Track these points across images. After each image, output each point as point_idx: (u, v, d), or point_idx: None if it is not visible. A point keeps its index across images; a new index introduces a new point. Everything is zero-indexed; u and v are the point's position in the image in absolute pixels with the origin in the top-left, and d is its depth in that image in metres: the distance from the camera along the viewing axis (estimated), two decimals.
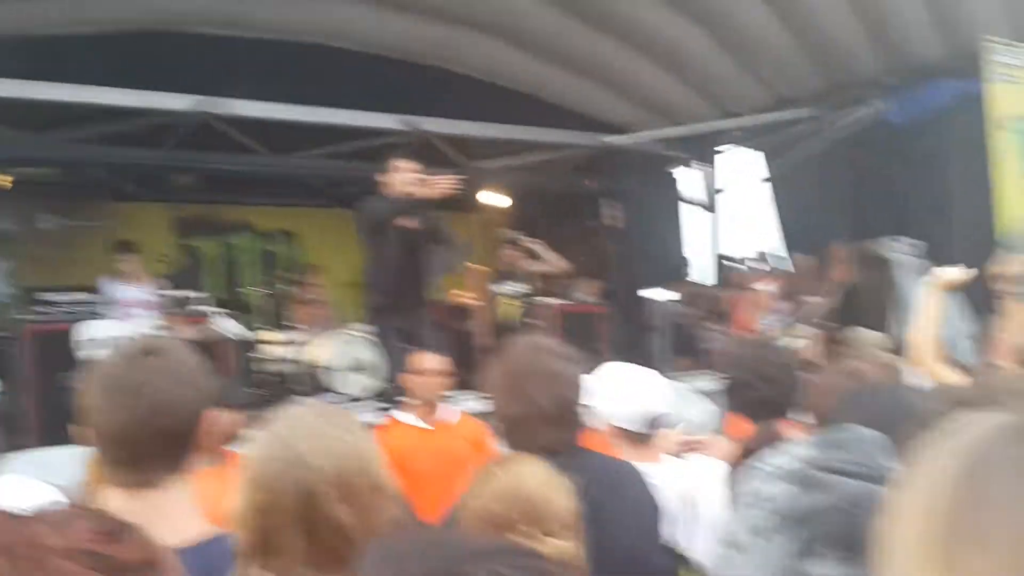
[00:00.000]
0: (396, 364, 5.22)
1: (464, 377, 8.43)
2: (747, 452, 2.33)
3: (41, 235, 11.42)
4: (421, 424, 4.45)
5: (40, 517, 0.85)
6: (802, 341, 9.13)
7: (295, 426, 1.55)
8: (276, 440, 1.53)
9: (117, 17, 8.38)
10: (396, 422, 4.53)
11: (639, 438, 2.90)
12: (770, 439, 2.34)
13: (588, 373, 2.47)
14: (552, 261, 7.96)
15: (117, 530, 0.88)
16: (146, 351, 1.64)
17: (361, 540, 1.48)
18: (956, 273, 3.94)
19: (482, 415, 7.13)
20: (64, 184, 10.95)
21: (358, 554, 1.45)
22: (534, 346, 2.37)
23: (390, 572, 0.84)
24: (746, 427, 3.09)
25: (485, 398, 2.44)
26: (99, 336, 7.08)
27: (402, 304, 6.36)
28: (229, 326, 7.63)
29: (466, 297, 9.97)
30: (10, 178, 10.01)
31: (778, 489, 1.35)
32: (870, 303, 9.55)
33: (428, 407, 4.54)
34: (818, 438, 1.38)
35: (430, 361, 4.60)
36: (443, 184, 6.11)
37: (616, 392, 2.88)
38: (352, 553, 1.46)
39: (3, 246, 11.23)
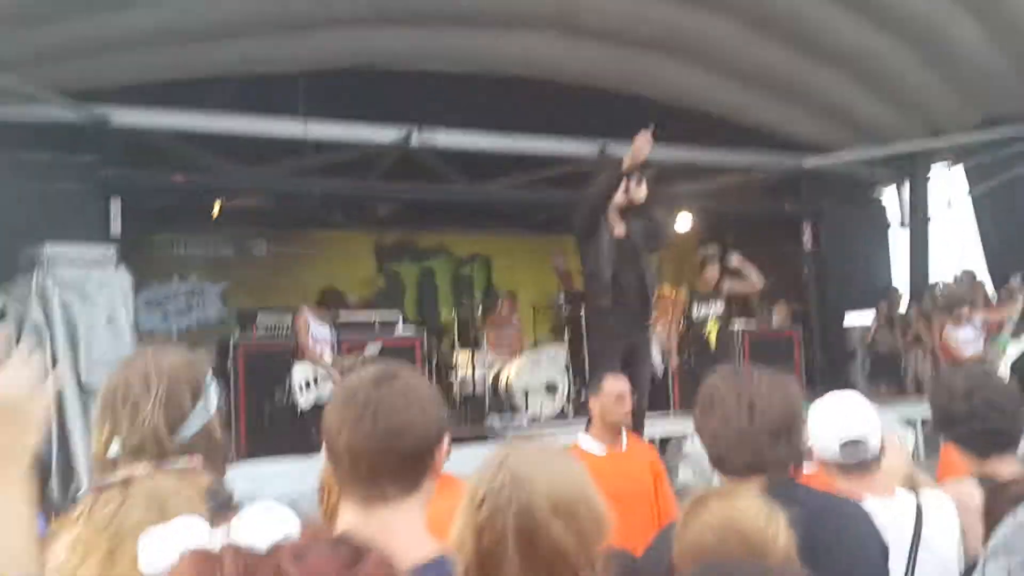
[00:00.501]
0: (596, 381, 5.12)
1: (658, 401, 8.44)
2: (1003, 494, 2.18)
3: (253, 260, 12.21)
4: (600, 450, 4.44)
5: (280, 548, 0.87)
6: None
7: (517, 454, 1.61)
8: (498, 465, 1.59)
9: (326, 55, 8.87)
10: (576, 447, 4.53)
11: (851, 470, 2.77)
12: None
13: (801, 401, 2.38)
14: (753, 278, 7.73)
15: (357, 556, 0.90)
16: (384, 376, 1.73)
17: (577, 563, 1.50)
18: None
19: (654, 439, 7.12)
20: (275, 213, 11.62)
21: None
22: (747, 372, 2.32)
23: None
24: (963, 460, 2.90)
25: (698, 422, 2.39)
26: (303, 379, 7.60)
27: (625, 304, 6.06)
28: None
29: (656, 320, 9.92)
30: (219, 205, 10.75)
31: None
32: None
33: (612, 432, 4.52)
34: None
35: (621, 386, 4.57)
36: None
37: (819, 422, 2.77)
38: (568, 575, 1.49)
39: (219, 270, 12.08)
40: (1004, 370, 8.48)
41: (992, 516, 2.20)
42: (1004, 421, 2.83)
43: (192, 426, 1.82)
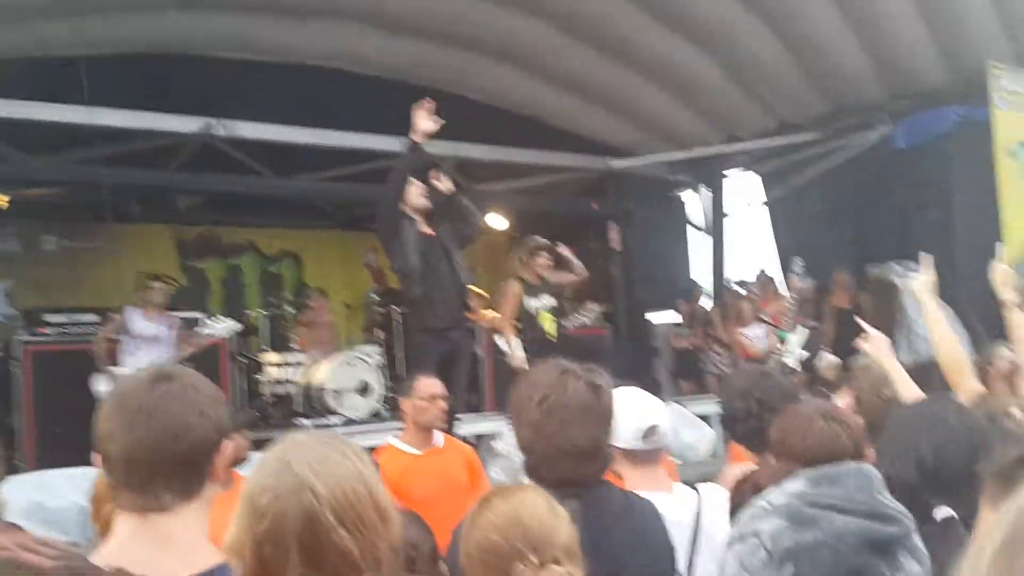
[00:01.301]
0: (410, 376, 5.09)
1: (472, 400, 8.48)
2: (755, 487, 2.30)
3: (43, 256, 11.45)
4: (414, 450, 4.42)
5: None
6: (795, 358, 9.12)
7: (295, 452, 1.53)
8: (276, 466, 1.52)
9: (122, 39, 8.43)
10: (391, 447, 4.50)
11: (641, 457, 2.85)
12: (779, 474, 2.31)
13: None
14: (579, 269, 7.85)
15: None
16: (159, 377, 1.65)
17: (364, 564, 1.46)
18: (928, 275, 3.92)
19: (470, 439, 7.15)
20: (68, 205, 10.93)
21: None
22: (565, 375, 2.31)
23: None
24: (747, 456, 3.05)
25: (512, 426, 2.37)
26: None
27: (439, 298, 6.07)
28: (220, 328, 7.61)
29: (476, 317, 9.96)
30: (7, 198, 10.01)
31: (769, 525, 1.33)
32: (878, 327, 9.52)
33: (425, 432, 4.51)
34: (811, 473, 1.36)
35: (433, 387, 4.56)
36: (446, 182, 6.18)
37: (618, 413, 2.83)
38: None
39: (4, 267, 11.27)
40: (793, 362, 8.93)
41: (734, 505, 2.34)
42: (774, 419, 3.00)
43: None
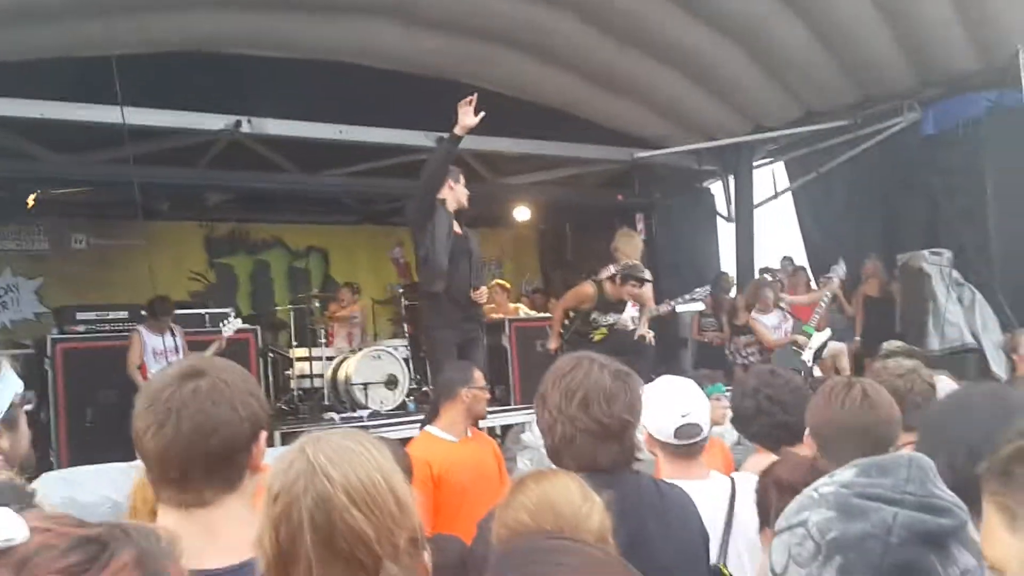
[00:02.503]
0: (438, 364, 5.17)
1: (499, 391, 8.51)
2: (777, 481, 2.29)
3: (74, 254, 11.56)
4: (452, 438, 4.46)
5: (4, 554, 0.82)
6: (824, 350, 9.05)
7: (312, 443, 1.53)
8: (292, 455, 1.52)
9: (153, 38, 8.47)
10: (428, 435, 4.52)
11: (678, 447, 2.86)
12: (801, 466, 2.30)
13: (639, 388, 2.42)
14: (648, 306, 7.82)
15: (92, 559, 0.84)
16: (189, 373, 1.66)
17: (381, 551, 1.45)
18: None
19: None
20: (97, 204, 11.04)
21: (378, 567, 1.44)
22: (590, 362, 2.32)
23: None
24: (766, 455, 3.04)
25: (536, 412, 2.39)
26: None
27: (455, 297, 6.20)
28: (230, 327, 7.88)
29: (496, 311, 9.99)
30: (33, 196, 10.13)
31: (816, 515, 1.32)
32: (907, 316, 9.46)
33: (467, 422, 4.57)
34: (862, 462, 1.36)
35: (481, 377, 4.65)
36: None
37: (652, 405, 2.84)
38: (372, 565, 1.44)
39: (35, 265, 11.40)
40: (807, 356, 8.87)
41: (758, 498, 2.34)
42: (788, 415, 2.99)
43: None
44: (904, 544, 1.21)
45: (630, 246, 7.95)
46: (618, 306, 7.52)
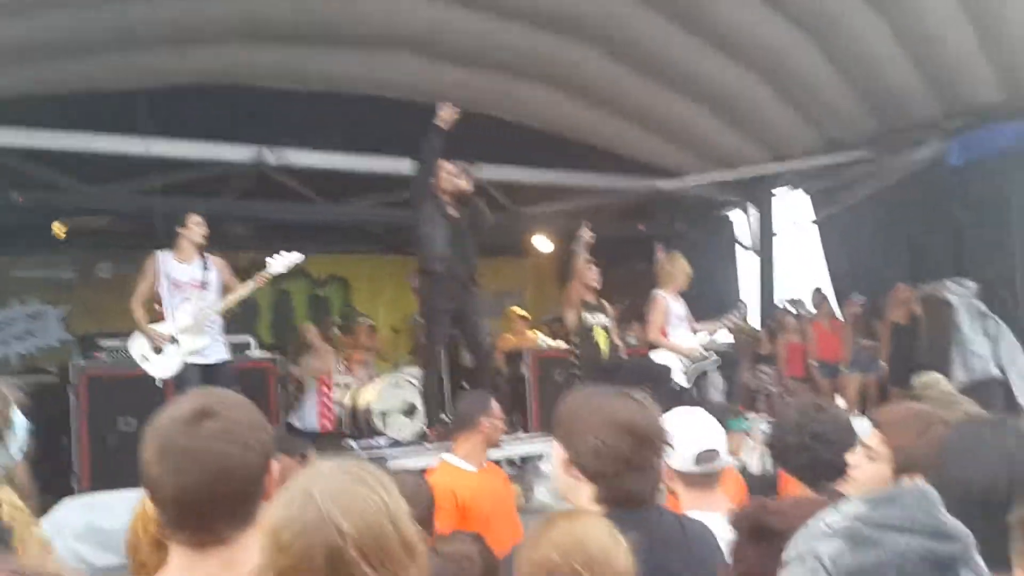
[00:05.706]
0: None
1: (517, 421, 8.48)
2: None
3: (99, 283, 11.67)
4: (472, 467, 4.44)
5: None
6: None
7: (318, 483, 1.51)
8: (299, 499, 1.50)
9: (181, 71, 8.58)
10: (447, 464, 4.50)
11: (697, 479, 2.84)
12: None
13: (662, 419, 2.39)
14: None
15: None
16: (200, 414, 1.63)
17: None
18: None
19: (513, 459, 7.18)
20: (123, 233, 11.15)
21: None
22: (611, 394, 2.30)
23: None
24: (799, 488, 3.00)
25: (561, 443, 2.34)
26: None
27: (454, 274, 6.99)
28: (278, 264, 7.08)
29: (515, 340, 9.99)
30: (65, 227, 10.26)
31: (828, 547, 1.32)
32: (932, 345, 9.37)
33: (485, 451, 4.56)
34: (869, 496, 1.36)
35: (499, 408, 4.66)
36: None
37: (674, 435, 2.81)
38: None
39: (60, 293, 11.53)
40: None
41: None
42: (832, 452, 2.94)
43: None
44: (918, 570, 1.22)
45: (676, 267, 8.46)
46: (600, 307, 8.06)
